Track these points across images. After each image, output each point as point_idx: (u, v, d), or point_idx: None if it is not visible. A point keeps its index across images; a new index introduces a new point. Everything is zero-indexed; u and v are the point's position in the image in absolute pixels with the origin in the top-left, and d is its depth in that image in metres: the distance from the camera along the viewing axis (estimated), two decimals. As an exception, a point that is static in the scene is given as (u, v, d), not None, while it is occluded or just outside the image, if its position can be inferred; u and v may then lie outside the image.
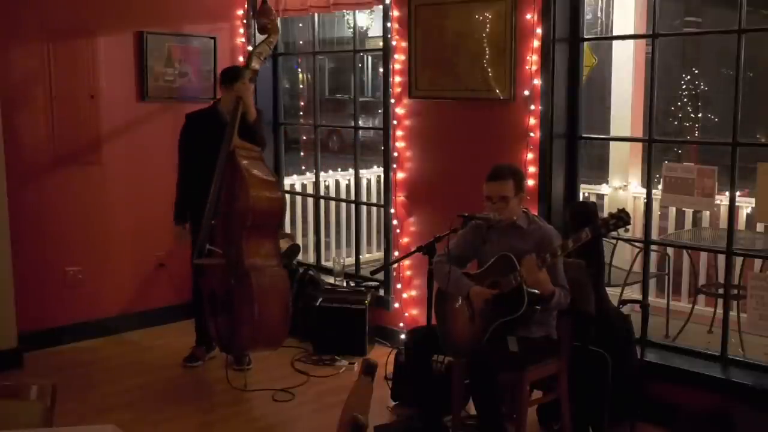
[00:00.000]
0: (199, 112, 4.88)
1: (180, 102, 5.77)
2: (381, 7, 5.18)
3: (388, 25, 5.10)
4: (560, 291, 3.52)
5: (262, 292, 4.34)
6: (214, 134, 4.50)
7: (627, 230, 3.93)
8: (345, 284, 5.55)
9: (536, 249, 3.50)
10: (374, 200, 7.09)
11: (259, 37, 5.02)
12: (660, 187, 4.38)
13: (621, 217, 3.41)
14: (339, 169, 7.42)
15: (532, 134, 4.43)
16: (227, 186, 4.45)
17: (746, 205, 5.40)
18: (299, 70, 16.13)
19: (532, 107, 4.41)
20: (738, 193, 4.24)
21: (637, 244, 5.13)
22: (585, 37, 4.49)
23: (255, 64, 4.60)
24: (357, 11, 6.36)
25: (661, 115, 9.88)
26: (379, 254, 6.95)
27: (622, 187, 6.04)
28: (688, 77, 13.75)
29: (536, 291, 3.49)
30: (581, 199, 4.81)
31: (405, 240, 5.18)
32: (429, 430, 3.82)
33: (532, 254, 3.44)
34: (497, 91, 4.54)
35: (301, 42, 9.13)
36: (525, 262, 3.42)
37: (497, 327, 3.52)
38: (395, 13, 5.05)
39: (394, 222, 5.23)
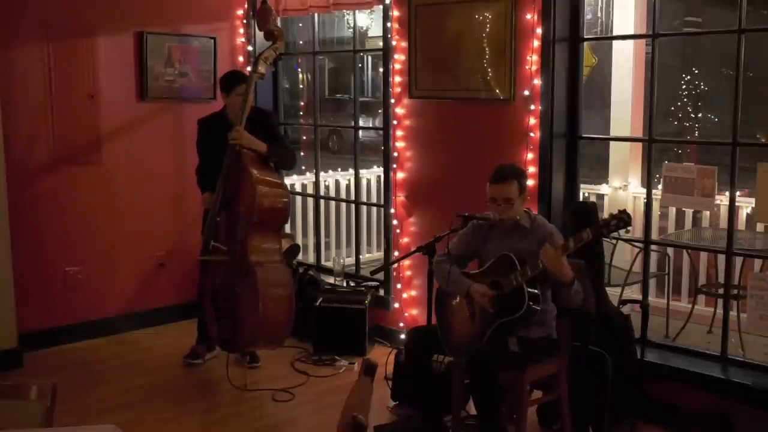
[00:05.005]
0: (209, 117, 4.91)
1: (180, 102, 5.78)
2: (381, 7, 5.18)
3: (388, 25, 5.10)
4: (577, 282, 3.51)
5: (266, 289, 4.36)
6: (225, 139, 4.51)
7: (628, 231, 3.93)
8: (345, 284, 5.55)
9: (539, 248, 3.50)
10: (374, 200, 7.09)
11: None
12: (660, 187, 4.38)
13: (622, 218, 3.41)
14: (339, 169, 7.42)
15: (532, 134, 4.43)
16: (233, 184, 4.47)
17: (746, 205, 5.40)
18: (299, 70, 16.13)
19: (532, 107, 4.41)
20: (738, 193, 4.24)
21: (637, 244, 5.12)
22: (585, 37, 4.49)
23: (261, 68, 4.61)
24: (357, 11, 6.36)
25: (661, 115, 9.88)
26: (379, 254, 6.95)
27: (622, 187, 6.04)
28: (688, 77, 13.75)
29: (536, 291, 3.49)
30: (581, 199, 4.81)
31: (405, 240, 5.18)
32: (429, 430, 3.82)
33: (553, 242, 3.45)
34: (497, 91, 4.54)
35: (301, 42, 9.13)
36: (545, 250, 3.41)
37: (497, 327, 3.52)
38: (395, 13, 5.05)
39: (394, 222, 5.23)
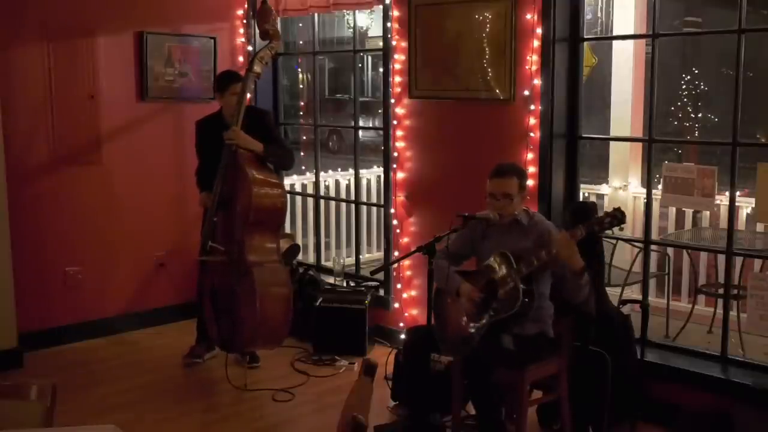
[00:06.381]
0: (207, 118, 4.92)
1: (180, 102, 5.78)
2: (381, 7, 5.18)
3: (388, 25, 5.10)
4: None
5: (263, 288, 4.37)
6: (222, 139, 4.52)
7: (621, 229, 3.92)
8: (345, 284, 5.55)
9: (537, 246, 3.51)
10: (374, 200, 7.09)
11: (260, 39, 5.03)
12: (660, 187, 4.38)
13: (615, 216, 3.43)
14: (339, 169, 7.42)
15: (532, 134, 4.43)
16: (230, 184, 4.48)
17: (746, 205, 5.40)
18: (299, 70, 16.12)
19: (532, 107, 4.41)
20: (738, 193, 4.24)
21: (637, 244, 5.13)
22: (585, 37, 4.49)
23: (257, 68, 4.61)
24: (357, 11, 6.36)
25: (661, 115, 9.88)
26: (379, 254, 6.95)
27: (622, 187, 6.04)
28: (688, 77, 13.75)
29: (531, 288, 3.50)
30: (581, 199, 4.81)
31: (405, 240, 5.18)
32: (424, 429, 3.82)
33: (563, 230, 3.46)
34: (497, 91, 4.54)
35: (301, 42, 9.14)
36: (558, 238, 3.41)
37: (491, 325, 3.52)
38: (395, 13, 5.05)
39: (394, 222, 5.23)
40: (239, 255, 4.41)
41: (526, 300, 3.47)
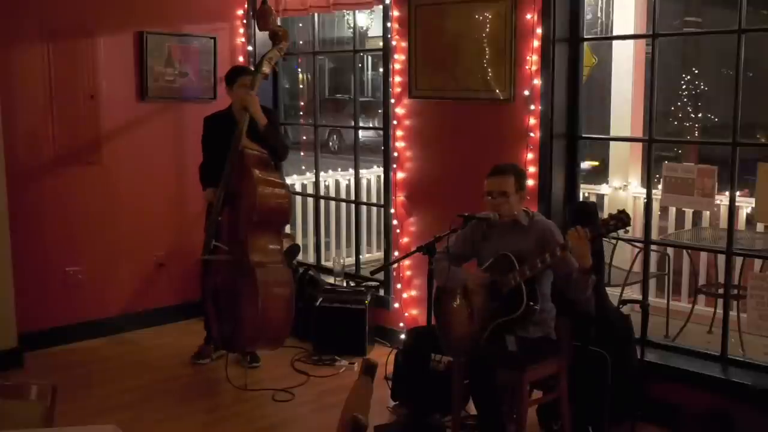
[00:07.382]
0: (215, 114, 4.93)
1: (180, 102, 5.78)
2: (381, 7, 5.18)
3: (388, 25, 5.10)
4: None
5: (266, 288, 4.37)
6: (230, 136, 4.53)
7: (627, 231, 3.92)
8: (345, 284, 5.55)
9: (538, 245, 3.51)
10: (374, 200, 7.09)
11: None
12: (660, 187, 4.38)
13: (621, 218, 3.41)
14: (339, 169, 7.41)
15: (532, 134, 4.43)
16: (235, 184, 4.49)
17: (746, 205, 5.40)
18: (299, 70, 16.13)
19: (532, 107, 4.41)
20: (738, 193, 4.24)
21: (637, 244, 5.13)
22: (585, 37, 4.49)
23: (265, 69, 4.62)
24: (357, 11, 6.36)
25: (661, 115, 9.87)
26: (379, 254, 6.95)
27: (622, 187, 6.04)
28: (688, 77, 13.74)
29: (534, 290, 3.49)
30: (581, 199, 4.81)
31: (405, 240, 5.18)
32: (424, 429, 3.82)
33: (578, 227, 3.41)
34: (497, 91, 4.54)
35: (301, 42, 9.13)
36: (573, 233, 3.38)
37: (495, 327, 3.52)
38: (395, 13, 5.05)
39: (394, 222, 5.23)
40: (242, 255, 4.42)
41: (530, 302, 3.46)
